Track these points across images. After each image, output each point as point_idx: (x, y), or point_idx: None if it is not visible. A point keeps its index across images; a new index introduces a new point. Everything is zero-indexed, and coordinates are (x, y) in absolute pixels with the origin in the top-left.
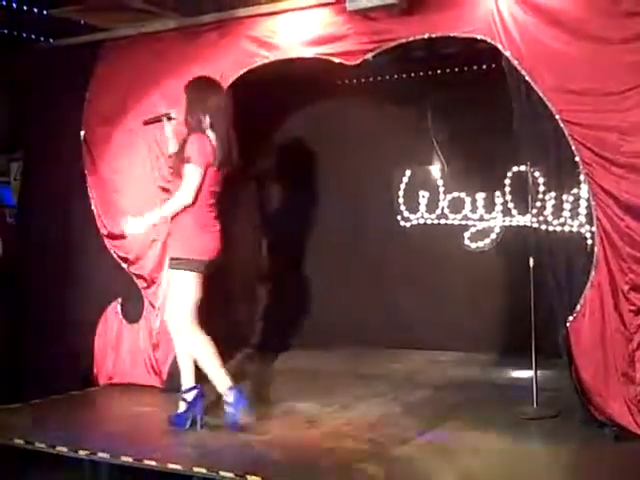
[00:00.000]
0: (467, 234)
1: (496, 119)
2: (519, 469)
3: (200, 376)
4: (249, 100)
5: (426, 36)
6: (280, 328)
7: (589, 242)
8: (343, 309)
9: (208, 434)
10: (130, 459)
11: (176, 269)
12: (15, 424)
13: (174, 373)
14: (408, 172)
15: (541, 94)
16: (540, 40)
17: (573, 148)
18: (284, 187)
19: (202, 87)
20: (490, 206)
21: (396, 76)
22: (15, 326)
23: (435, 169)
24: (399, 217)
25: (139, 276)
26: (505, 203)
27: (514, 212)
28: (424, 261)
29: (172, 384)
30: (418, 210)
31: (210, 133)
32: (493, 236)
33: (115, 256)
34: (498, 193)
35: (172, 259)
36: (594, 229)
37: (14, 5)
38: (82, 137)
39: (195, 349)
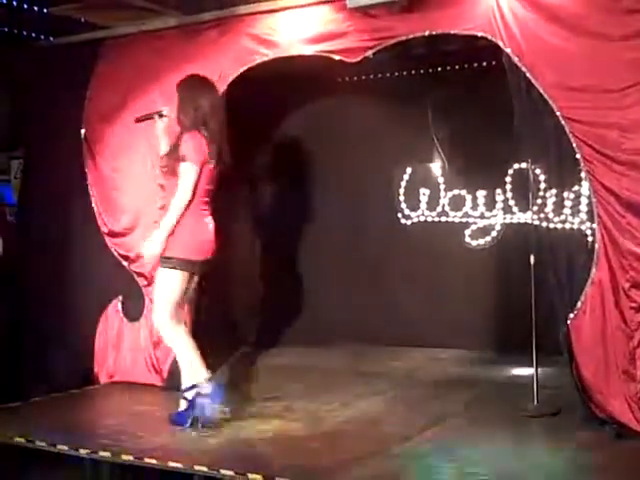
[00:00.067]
0: (468, 231)
1: (496, 116)
2: (519, 467)
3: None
4: (249, 98)
5: (426, 33)
6: (280, 326)
7: (590, 239)
8: (343, 307)
9: (209, 432)
10: (131, 457)
11: (165, 267)
12: (15, 423)
13: (175, 371)
14: (409, 170)
15: (542, 91)
16: (540, 37)
17: (574, 145)
18: (284, 185)
19: (195, 85)
20: (491, 203)
21: (396, 73)
22: (15, 324)
23: (436, 166)
24: (400, 215)
25: (140, 274)
26: (506, 200)
27: (515, 209)
28: (425, 259)
29: (173, 382)
30: (419, 208)
31: (204, 131)
32: (494, 233)
33: (116, 254)
34: (499, 190)
35: (164, 257)
36: (595, 226)
37: (14, 3)
38: (82, 135)
39: (173, 343)
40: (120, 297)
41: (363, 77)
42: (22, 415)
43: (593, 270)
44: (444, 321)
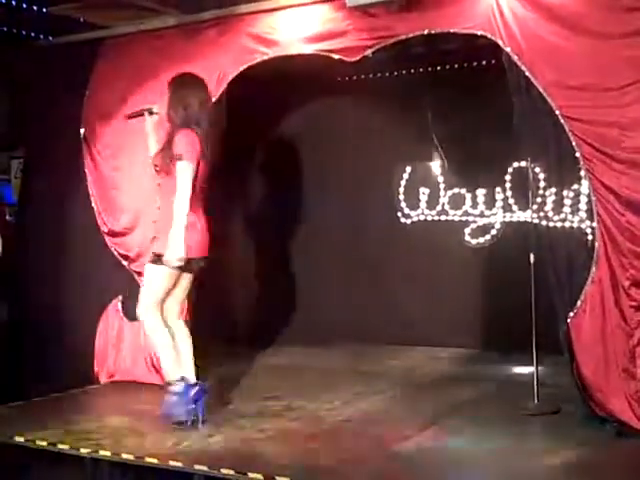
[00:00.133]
0: (467, 230)
1: (496, 115)
2: (520, 465)
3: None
4: (249, 97)
5: (426, 32)
6: (280, 325)
7: (590, 238)
8: (343, 306)
9: (209, 431)
10: (131, 457)
11: (153, 264)
12: (16, 422)
13: None
14: (408, 168)
15: (541, 90)
16: (540, 35)
17: (573, 144)
18: (283, 184)
19: (185, 83)
20: (490, 202)
21: (396, 73)
22: (15, 324)
23: (435, 165)
24: (399, 214)
25: (140, 273)
26: (506, 199)
27: (515, 208)
28: (424, 257)
29: None
30: (419, 207)
31: (196, 129)
32: (494, 232)
33: (116, 254)
34: (498, 189)
35: (154, 254)
36: (595, 225)
37: (14, 3)
38: (82, 134)
39: (152, 337)
40: (120, 297)
41: (362, 76)
42: (22, 415)
43: (593, 269)
44: (444, 320)
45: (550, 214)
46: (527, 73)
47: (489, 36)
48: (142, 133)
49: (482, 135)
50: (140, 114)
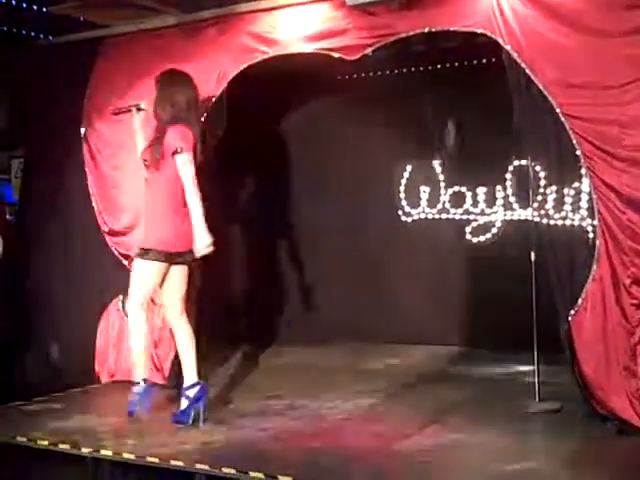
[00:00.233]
0: (468, 228)
1: (496, 113)
2: (521, 464)
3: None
4: (249, 96)
5: (426, 30)
6: (279, 324)
7: (590, 236)
8: (344, 305)
9: (210, 431)
10: (132, 456)
11: (140, 258)
12: (17, 422)
13: (176, 370)
14: (409, 167)
15: (541, 88)
16: (540, 33)
17: (574, 142)
18: (283, 183)
19: (173, 80)
20: (491, 200)
21: (396, 71)
22: (16, 323)
23: (436, 164)
24: (400, 212)
25: None
26: (506, 197)
27: (515, 206)
28: (425, 256)
29: (174, 381)
30: (419, 205)
31: (185, 124)
32: (494, 230)
33: (116, 253)
34: (499, 187)
35: (141, 249)
36: (595, 223)
37: (14, 2)
38: (82, 134)
39: (132, 335)
40: (121, 296)
41: (362, 75)
42: (23, 414)
43: (594, 267)
44: (444, 318)
45: (551, 212)
46: (527, 71)
47: (489, 34)
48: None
49: (482, 133)
50: (127, 110)
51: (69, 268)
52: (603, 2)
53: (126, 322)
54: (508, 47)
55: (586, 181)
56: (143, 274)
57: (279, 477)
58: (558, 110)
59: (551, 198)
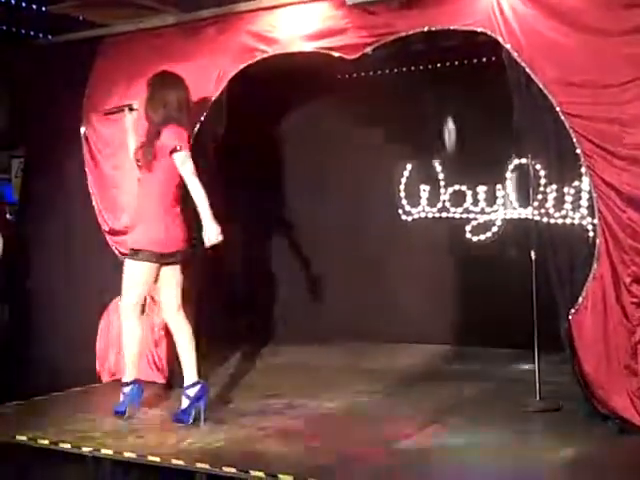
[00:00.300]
0: (468, 227)
1: (496, 112)
2: (521, 463)
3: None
4: (248, 95)
5: (426, 29)
6: (279, 323)
7: (591, 234)
8: (344, 304)
9: (211, 430)
10: (133, 455)
11: (130, 259)
12: (18, 421)
13: (176, 369)
14: (409, 166)
15: (541, 86)
16: (540, 32)
17: (574, 140)
18: (283, 182)
19: (165, 82)
20: (491, 199)
21: (396, 70)
22: (16, 323)
23: (436, 163)
24: (400, 211)
25: None
26: (506, 196)
27: (515, 205)
28: (425, 255)
29: (174, 380)
30: (419, 204)
31: (177, 124)
32: (494, 229)
33: (117, 252)
34: (499, 186)
35: (132, 250)
36: (596, 221)
37: (13, 1)
38: (82, 133)
39: (125, 337)
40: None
41: (362, 74)
42: (24, 414)
43: (594, 265)
44: (444, 317)
45: (551, 211)
46: (527, 70)
47: (489, 33)
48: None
49: (482, 132)
50: (120, 110)
51: (69, 267)
52: (602, 1)
53: None
54: (508, 46)
55: (586, 180)
56: (134, 275)
57: (279, 476)
58: (558, 109)
59: (551, 197)
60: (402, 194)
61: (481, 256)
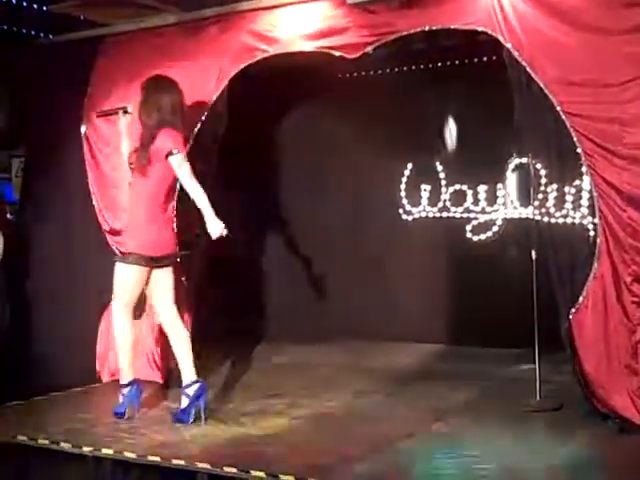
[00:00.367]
0: (469, 227)
1: (497, 111)
2: (521, 462)
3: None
4: (249, 94)
5: (426, 28)
6: (280, 322)
7: (591, 234)
8: (344, 303)
9: (211, 430)
10: (134, 455)
11: (121, 262)
12: (18, 421)
13: (176, 369)
14: (410, 165)
15: (542, 85)
16: (540, 31)
17: (575, 140)
18: (284, 181)
19: (158, 86)
20: (492, 198)
21: (396, 69)
22: (16, 323)
23: (437, 162)
24: (401, 210)
25: None
26: (507, 195)
27: (516, 204)
28: (426, 254)
29: (174, 380)
30: (420, 203)
31: (172, 128)
32: (495, 229)
33: (117, 252)
34: (500, 185)
35: (121, 253)
36: (596, 221)
37: (14, 1)
38: (83, 133)
39: (117, 339)
40: None
41: (363, 73)
42: (24, 414)
43: (595, 265)
44: (445, 317)
45: (552, 210)
46: (528, 69)
47: (489, 32)
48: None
49: (483, 131)
50: (114, 112)
51: (69, 267)
52: (603, 0)
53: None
54: (509, 45)
55: (587, 179)
56: (125, 278)
57: (280, 476)
58: (558, 108)
59: (552, 196)
60: (403, 193)
61: (482, 255)
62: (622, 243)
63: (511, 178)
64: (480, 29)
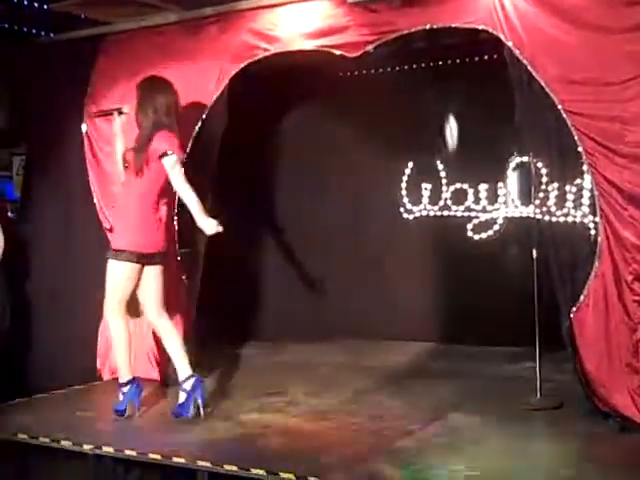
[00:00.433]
0: (470, 225)
1: (498, 110)
2: (522, 460)
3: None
4: (250, 93)
5: (427, 27)
6: (280, 321)
7: (592, 232)
8: (345, 302)
9: (212, 428)
10: (134, 453)
11: (113, 259)
12: (19, 419)
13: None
14: (410, 164)
15: (543, 84)
16: (541, 30)
17: (576, 138)
18: (284, 180)
19: (153, 87)
20: (493, 197)
21: (397, 68)
22: (17, 321)
23: (437, 161)
24: (402, 209)
25: None
26: (508, 194)
27: (517, 203)
28: (426, 253)
29: (175, 378)
30: (421, 202)
31: (168, 130)
32: (496, 227)
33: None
34: (501, 184)
35: (113, 250)
36: (597, 219)
37: (15, 0)
38: (84, 131)
39: (113, 338)
40: None
41: (364, 72)
42: (25, 412)
43: (596, 263)
44: (445, 315)
45: (553, 209)
46: (529, 67)
47: (490, 30)
48: None
49: (484, 130)
50: (109, 113)
51: (70, 265)
52: None
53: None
54: (510, 43)
55: (588, 178)
56: (117, 275)
57: (280, 474)
58: (559, 106)
59: (553, 195)
60: (404, 192)
61: (482, 254)
62: (623, 242)
63: (512, 177)
64: (481, 27)
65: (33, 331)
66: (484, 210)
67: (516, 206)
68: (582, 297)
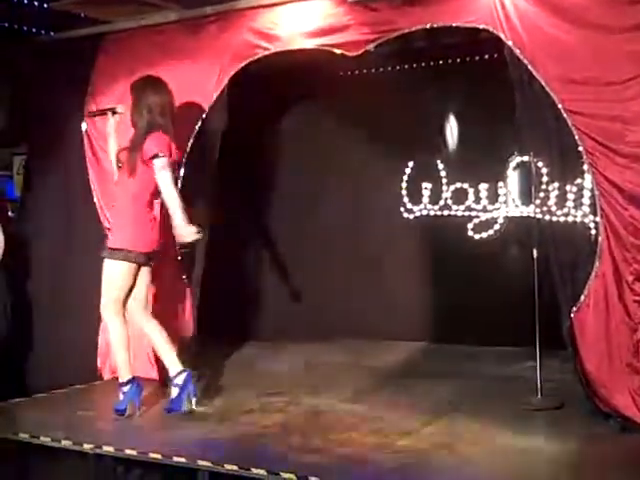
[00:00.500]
0: (470, 225)
1: (498, 109)
2: (522, 460)
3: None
4: (250, 92)
5: (428, 26)
6: (280, 321)
7: (593, 232)
8: (345, 301)
9: (212, 427)
10: (135, 452)
11: (109, 258)
12: (19, 418)
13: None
14: (411, 163)
15: (543, 83)
16: (542, 29)
17: (576, 138)
18: (285, 179)
19: (147, 87)
20: (493, 197)
21: (398, 67)
22: (17, 320)
23: (438, 160)
24: (402, 209)
25: None
26: (508, 194)
27: (517, 203)
28: (427, 253)
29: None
30: (421, 202)
31: (162, 131)
32: (496, 227)
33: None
34: (501, 184)
35: (111, 249)
36: (598, 219)
37: None
38: (84, 130)
39: (111, 338)
40: None
41: (364, 71)
42: (26, 411)
43: (596, 263)
44: (446, 315)
45: (553, 209)
46: (529, 67)
47: (491, 30)
48: None
49: (484, 129)
50: (104, 113)
51: (71, 264)
52: None
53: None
54: (510, 43)
55: (588, 177)
56: (113, 274)
57: (281, 474)
58: (560, 106)
59: (553, 194)
60: (404, 192)
61: (483, 254)
62: (624, 242)
63: (512, 176)
64: (481, 27)
65: (33, 331)
66: (484, 210)
67: (516, 206)
68: (582, 297)
